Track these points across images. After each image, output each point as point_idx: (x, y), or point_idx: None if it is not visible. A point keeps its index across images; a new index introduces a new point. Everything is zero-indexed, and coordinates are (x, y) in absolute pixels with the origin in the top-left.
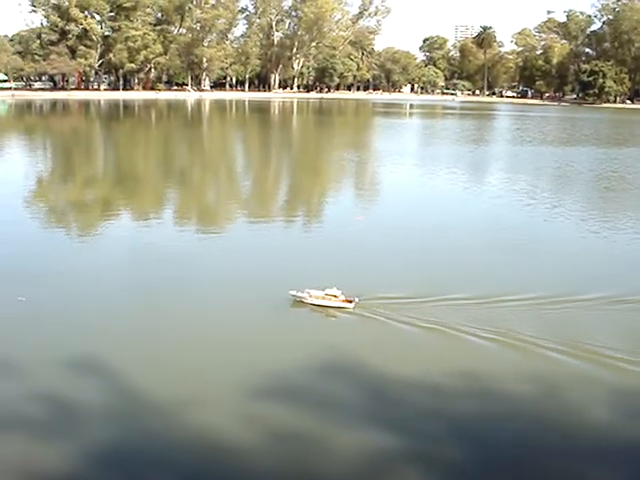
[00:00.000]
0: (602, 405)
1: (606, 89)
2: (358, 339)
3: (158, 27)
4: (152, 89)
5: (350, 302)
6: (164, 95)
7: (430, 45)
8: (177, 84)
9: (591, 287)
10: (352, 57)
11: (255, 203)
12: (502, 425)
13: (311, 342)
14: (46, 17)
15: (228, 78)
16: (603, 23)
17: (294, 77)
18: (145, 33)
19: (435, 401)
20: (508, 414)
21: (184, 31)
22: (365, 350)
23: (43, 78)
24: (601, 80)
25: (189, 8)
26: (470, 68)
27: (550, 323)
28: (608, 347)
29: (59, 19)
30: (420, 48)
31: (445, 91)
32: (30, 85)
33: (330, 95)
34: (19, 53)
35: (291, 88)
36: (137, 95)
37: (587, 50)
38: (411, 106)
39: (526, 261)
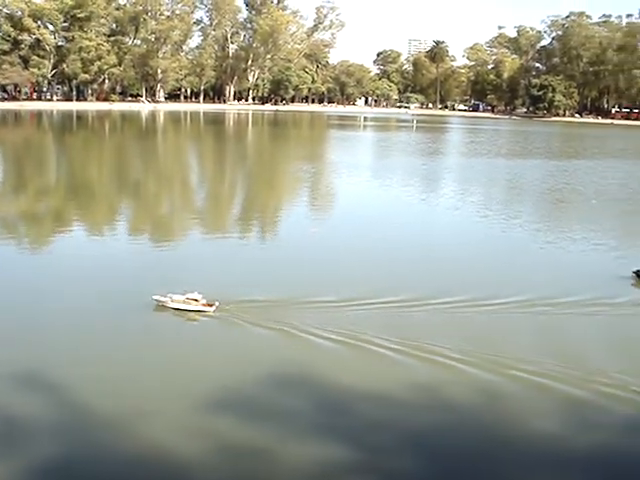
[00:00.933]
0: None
1: (555, 103)
2: (212, 341)
3: (112, 38)
4: (106, 100)
5: (211, 306)
6: (118, 106)
7: (384, 59)
8: (131, 95)
9: (495, 292)
10: (307, 70)
11: (205, 216)
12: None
13: (164, 345)
14: None
15: (183, 89)
16: (552, 39)
17: (249, 89)
18: (99, 44)
19: (262, 401)
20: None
21: (139, 42)
22: (216, 352)
23: None
24: (551, 94)
25: (144, 19)
26: (423, 82)
27: (409, 325)
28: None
29: (12, 28)
30: (374, 61)
31: (399, 104)
32: None
33: (285, 107)
34: None
35: (246, 100)
36: (91, 106)
37: (537, 65)
38: (365, 119)
39: (447, 268)
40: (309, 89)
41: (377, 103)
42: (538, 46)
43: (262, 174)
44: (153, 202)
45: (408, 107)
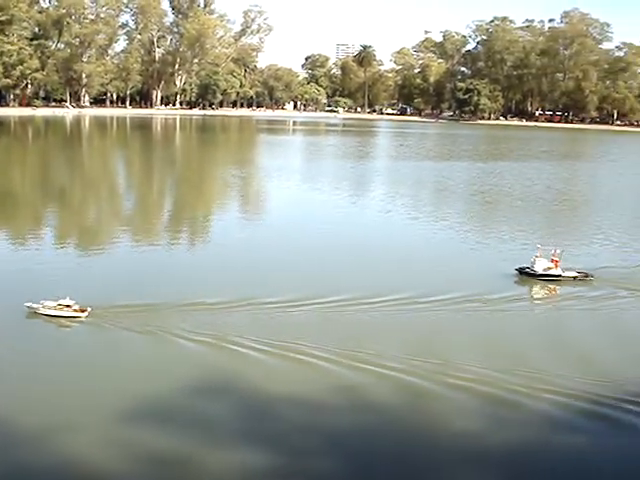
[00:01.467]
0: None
1: (481, 106)
2: (80, 346)
3: (35, 42)
4: (29, 105)
5: (83, 311)
6: (41, 112)
7: (312, 63)
8: (55, 100)
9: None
10: (235, 74)
11: (129, 222)
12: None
13: (30, 352)
14: None
15: (108, 94)
16: (477, 43)
17: (177, 94)
18: (21, 48)
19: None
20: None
21: (62, 46)
22: (83, 357)
23: None
24: (476, 98)
25: (67, 23)
26: (351, 86)
27: (284, 325)
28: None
29: None
30: (302, 66)
31: (327, 108)
32: None
33: (213, 112)
34: None
35: (173, 105)
36: (13, 111)
37: (463, 69)
38: (294, 123)
39: (344, 269)
40: (237, 93)
41: (306, 107)
42: (463, 50)
43: (188, 179)
44: (62, 209)
45: (337, 111)
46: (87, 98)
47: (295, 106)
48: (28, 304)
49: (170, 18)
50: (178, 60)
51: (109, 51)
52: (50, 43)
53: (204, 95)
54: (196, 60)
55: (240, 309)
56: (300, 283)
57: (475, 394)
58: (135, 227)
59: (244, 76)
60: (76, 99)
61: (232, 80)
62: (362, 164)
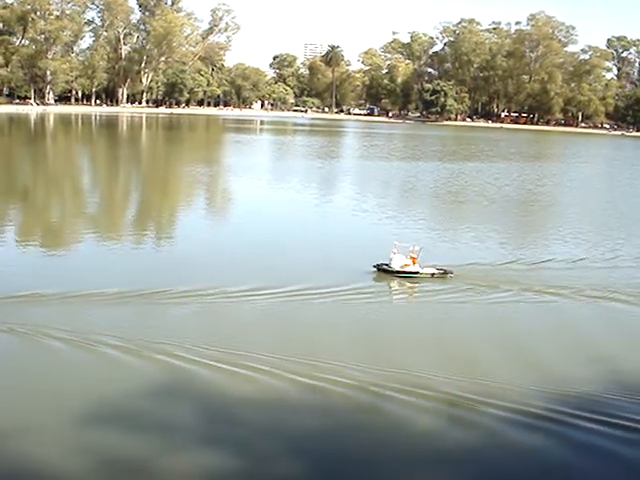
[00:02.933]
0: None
1: (447, 107)
2: None
3: None
4: None
5: None
6: (5, 109)
7: (280, 62)
8: (19, 97)
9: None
10: (202, 73)
11: (94, 220)
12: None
13: None
14: None
15: (74, 92)
16: (444, 44)
17: (143, 92)
18: None
19: None
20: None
21: (27, 42)
22: None
23: None
24: (443, 99)
25: (32, 19)
26: (319, 86)
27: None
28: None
29: None
30: (270, 65)
31: (295, 108)
32: None
33: (180, 110)
34: None
35: (140, 103)
36: None
37: (430, 70)
38: (262, 122)
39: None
40: (204, 92)
41: (273, 107)
42: (431, 52)
43: (155, 177)
44: (24, 207)
45: (305, 111)
46: (52, 95)
47: (262, 105)
48: None
49: (137, 15)
50: (145, 58)
51: (75, 48)
52: (14, 39)
53: (171, 93)
54: (163, 58)
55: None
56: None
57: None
58: (94, 224)
59: (211, 75)
60: (41, 96)
61: (199, 79)
62: (330, 164)
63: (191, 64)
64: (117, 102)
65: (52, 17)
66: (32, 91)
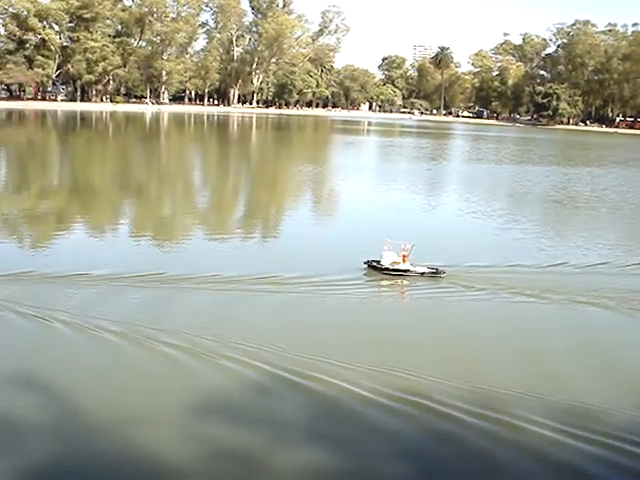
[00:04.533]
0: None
1: (560, 111)
2: None
3: (117, 39)
4: (110, 101)
5: None
6: (122, 107)
7: (389, 64)
8: (136, 97)
9: None
10: (311, 74)
11: (207, 216)
12: None
13: None
14: (4, 26)
15: (187, 92)
16: (558, 46)
17: (253, 92)
18: (104, 45)
19: None
20: None
21: (144, 44)
22: None
23: None
24: (555, 102)
25: (149, 21)
26: (427, 88)
27: None
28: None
29: (17, 28)
30: (379, 67)
31: (403, 110)
32: None
33: (289, 111)
34: None
35: (250, 103)
36: (94, 107)
37: (542, 72)
38: (369, 124)
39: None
40: (313, 93)
41: (381, 108)
42: (543, 54)
43: (263, 175)
44: (139, 202)
45: (412, 113)
46: (166, 95)
47: (370, 107)
48: None
49: (249, 18)
50: (256, 59)
51: (189, 49)
52: (132, 41)
53: (280, 94)
54: (273, 60)
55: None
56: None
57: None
58: (203, 217)
59: (320, 76)
60: (156, 96)
61: (308, 80)
62: (438, 166)
63: (301, 65)
64: (228, 102)
65: (168, 19)
66: (148, 91)
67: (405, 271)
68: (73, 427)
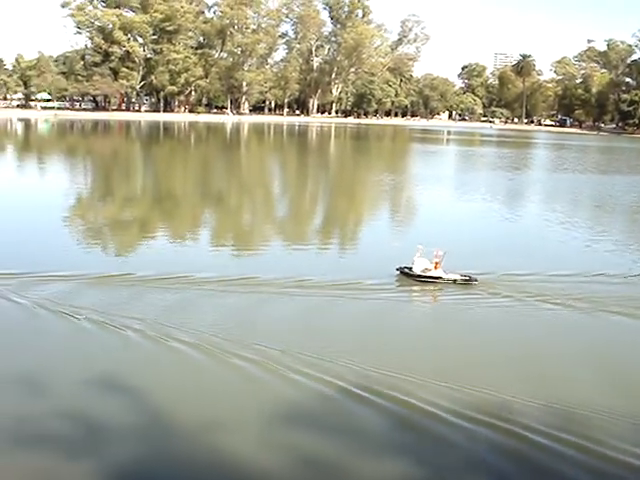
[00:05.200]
0: None
1: None
2: None
3: (199, 51)
4: (192, 111)
5: None
6: (203, 118)
7: (469, 72)
8: (217, 107)
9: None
10: (390, 83)
11: (287, 226)
12: None
13: None
14: (90, 39)
15: (267, 102)
16: None
17: (332, 102)
18: (186, 56)
19: None
20: None
21: (225, 55)
22: None
23: (85, 98)
24: None
25: (230, 33)
26: (508, 96)
27: None
28: None
29: (103, 41)
30: (459, 75)
31: (483, 119)
32: (73, 105)
33: (368, 121)
34: (63, 73)
35: (329, 113)
36: (177, 117)
37: (627, 80)
38: (449, 133)
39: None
40: (392, 102)
41: (461, 117)
42: (629, 60)
43: (341, 184)
44: (228, 210)
45: (492, 122)
46: (247, 105)
47: (450, 116)
48: None
49: (329, 28)
50: (335, 69)
51: (269, 60)
52: (213, 52)
53: (359, 104)
54: (353, 69)
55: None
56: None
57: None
58: (281, 224)
59: (399, 85)
60: (236, 106)
61: (387, 89)
62: (520, 176)
63: (380, 75)
64: (307, 112)
65: (249, 31)
66: (228, 101)
67: (437, 278)
68: (157, 430)
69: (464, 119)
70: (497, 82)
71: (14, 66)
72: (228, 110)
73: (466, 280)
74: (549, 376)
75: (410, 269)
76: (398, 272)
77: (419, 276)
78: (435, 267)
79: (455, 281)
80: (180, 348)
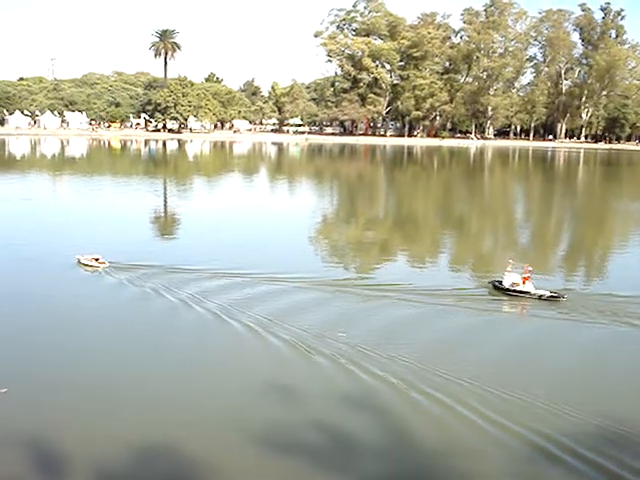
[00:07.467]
0: None
1: None
2: None
3: (445, 76)
4: (436, 136)
5: None
6: (447, 142)
7: None
8: (460, 132)
9: None
10: None
11: (528, 254)
12: None
13: None
14: (340, 66)
15: (512, 126)
16: None
17: (582, 127)
18: (432, 82)
19: None
20: None
21: (470, 79)
22: None
23: (334, 123)
24: None
25: (477, 57)
26: None
27: None
28: None
29: (352, 68)
30: None
31: None
32: (322, 129)
33: (620, 146)
34: (314, 100)
35: (578, 138)
36: (421, 142)
37: None
38: None
39: None
40: None
41: None
42: None
43: (585, 214)
44: (471, 236)
45: None
46: (491, 130)
47: None
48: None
49: (579, 49)
50: (585, 92)
51: (515, 84)
52: (459, 77)
53: (611, 128)
54: (604, 92)
55: None
56: None
57: None
58: (523, 253)
59: None
60: (481, 131)
61: None
62: None
63: (634, 98)
64: (554, 136)
65: (495, 55)
66: (473, 126)
67: (526, 292)
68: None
69: None
70: None
71: (270, 93)
72: (472, 135)
73: (553, 296)
74: None
75: (500, 283)
76: (491, 285)
77: (508, 290)
78: (523, 282)
79: (541, 297)
80: None
